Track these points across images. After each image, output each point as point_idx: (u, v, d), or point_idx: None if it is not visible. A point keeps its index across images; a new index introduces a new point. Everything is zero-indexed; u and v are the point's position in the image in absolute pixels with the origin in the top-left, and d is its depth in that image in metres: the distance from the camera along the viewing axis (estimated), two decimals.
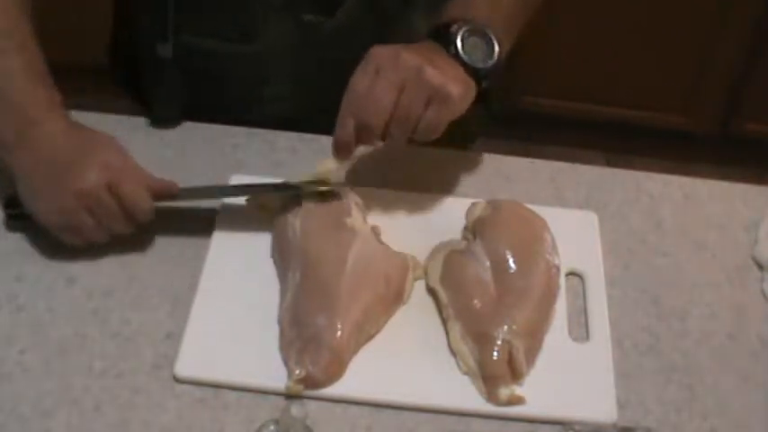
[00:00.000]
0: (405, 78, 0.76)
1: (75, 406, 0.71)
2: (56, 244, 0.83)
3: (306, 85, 0.98)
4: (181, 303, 0.78)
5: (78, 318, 0.77)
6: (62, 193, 0.77)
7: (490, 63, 0.81)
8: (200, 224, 0.85)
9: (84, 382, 0.73)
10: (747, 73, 1.99)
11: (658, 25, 1.94)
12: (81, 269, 0.81)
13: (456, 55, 0.80)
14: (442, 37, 0.81)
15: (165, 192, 0.80)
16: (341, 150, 0.79)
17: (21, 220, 0.82)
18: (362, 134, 0.77)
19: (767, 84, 1.99)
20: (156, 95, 0.95)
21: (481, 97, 0.81)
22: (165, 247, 0.83)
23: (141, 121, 0.95)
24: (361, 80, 0.77)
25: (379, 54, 0.77)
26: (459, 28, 0.81)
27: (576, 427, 0.70)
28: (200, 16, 0.94)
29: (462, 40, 0.80)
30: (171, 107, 0.93)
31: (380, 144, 0.80)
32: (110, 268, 0.81)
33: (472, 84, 0.80)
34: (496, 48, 0.82)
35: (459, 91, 0.77)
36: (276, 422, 0.67)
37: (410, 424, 0.71)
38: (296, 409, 0.65)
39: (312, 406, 0.71)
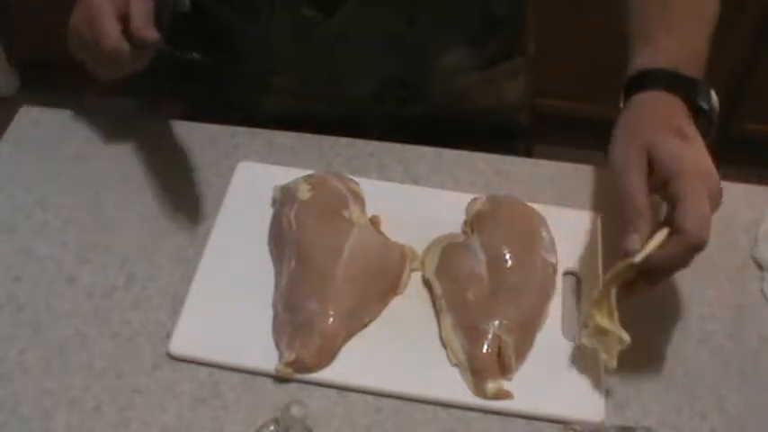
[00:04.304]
0: (712, 196, 0.70)
1: (75, 406, 0.71)
2: (56, 244, 0.83)
3: (310, 80, 0.98)
4: (181, 303, 0.78)
5: (78, 318, 0.77)
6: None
7: (714, 110, 0.79)
8: (201, 225, 0.85)
9: (84, 382, 0.73)
10: (747, 73, 1.98)
11: None
12: (81, 269, 0.81)
13: (706, 118, 0.77)
14: (686, 99, 0.77)
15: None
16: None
17: None
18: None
19: (767, 84, 1.99)
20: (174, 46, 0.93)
21: None
22: (165, 247, 0.83)
23: (141, 121, 0.96)
24: (700, 207, 0.69)
25: (706, 178, 0.71)
26: (707, 97, 0.78)
27: (576, 428, 0.70)
28: None
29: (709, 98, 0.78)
30: (187, 56, 0.90)
31: None
32: (110, 268, 0.81)
33: None
34: (713, 95, 0.79)
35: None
36: (276, 422, 0.67)
37: (409, 424, 0.71)
38: (296, 409, 0.65)
39: (312, 406, 0.71)
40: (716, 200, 0.71)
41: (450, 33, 0.95)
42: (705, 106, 0.77)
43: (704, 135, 0.76)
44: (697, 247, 0.69)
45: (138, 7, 0.77)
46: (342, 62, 0.94)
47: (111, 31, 0.76)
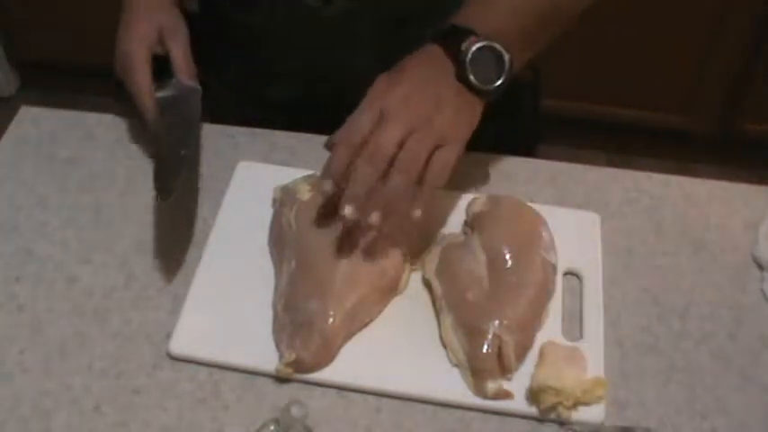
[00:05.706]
0: (413, 127, 0.72)
1: (75, 406, 0.71)
2: (56, 244, 0.83)
3: (314, 69, 0.98)
4: (181, 303, 0.78)
5: (78, 318, 0.77)
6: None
7: (498, 84, 0.77)
8: (201, 225, 0.85)
9: (84, 382, 0.73)
10: (747, 73, 1.99)
11: (658, 25, 1.94)
12: (81, 269, 0.81)
13: (465, 78, 0.76)
14: (451, 51, 0.76)
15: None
16: (335, 178, 0.74)
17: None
18: (358, 176, 0.72)
19: (767, 84, 1.99)
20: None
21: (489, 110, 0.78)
22: (165, 247, 0.83)
23: (141, 121, 0.96)
24: (363, 121, 0.73)
25: (386, 95, 0.74)
26: (470, 46, 0.75)
27: (576, 428, 0.70)
28: None
29: (472, 61, 0.76)
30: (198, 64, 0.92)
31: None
32: (110, 268, 0.81)
33: (479, 110, 0.77)
34: (506, 67, 0.77)
35: (466, 133, 0.76)
36: (276, 422, 0.67)
37: (409, 424, 0.71)
38: (296, 409, 0.65)
39: (312, 406, 0.71)
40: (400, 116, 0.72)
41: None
42: (462, 56, 0.75)
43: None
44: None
45: (145, 76, 0.86)
46: (345, 48, 0.94)
47: (142, 89, 0.85)
